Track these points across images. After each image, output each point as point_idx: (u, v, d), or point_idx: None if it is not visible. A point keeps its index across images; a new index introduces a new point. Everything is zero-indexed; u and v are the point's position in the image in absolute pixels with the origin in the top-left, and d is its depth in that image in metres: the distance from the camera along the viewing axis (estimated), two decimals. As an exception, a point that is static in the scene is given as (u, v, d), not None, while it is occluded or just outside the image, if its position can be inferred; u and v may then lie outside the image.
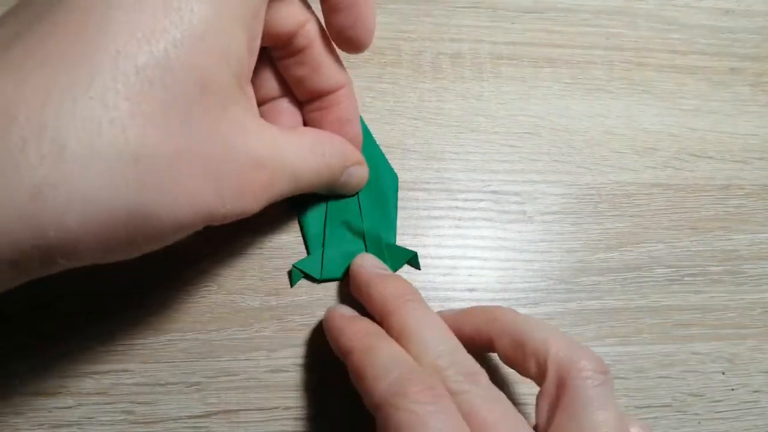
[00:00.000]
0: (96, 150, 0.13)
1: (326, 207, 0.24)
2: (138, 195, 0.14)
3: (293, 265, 0.24)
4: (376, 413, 0.18)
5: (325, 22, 0.20)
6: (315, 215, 0.25)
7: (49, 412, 0.22)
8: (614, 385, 0.19)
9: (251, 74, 0.18)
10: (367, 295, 0.22)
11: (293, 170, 0.19)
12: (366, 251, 0.24)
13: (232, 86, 0.16)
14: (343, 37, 0.20)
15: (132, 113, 0.14)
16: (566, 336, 0.20)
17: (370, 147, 0.26)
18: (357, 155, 0.23)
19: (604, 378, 0.18)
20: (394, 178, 0.26)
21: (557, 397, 0.18)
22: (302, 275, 0.24)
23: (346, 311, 0.22)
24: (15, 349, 0.22)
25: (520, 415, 0.18)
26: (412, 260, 0.25)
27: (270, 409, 0.22)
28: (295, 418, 0.22)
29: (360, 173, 0.23)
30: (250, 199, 0.17)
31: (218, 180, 0.16)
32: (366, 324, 0.21)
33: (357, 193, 0.25)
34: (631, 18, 0.32)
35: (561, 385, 0.18)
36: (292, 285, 0.24)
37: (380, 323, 0.21)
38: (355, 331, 0.20)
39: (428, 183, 0.27)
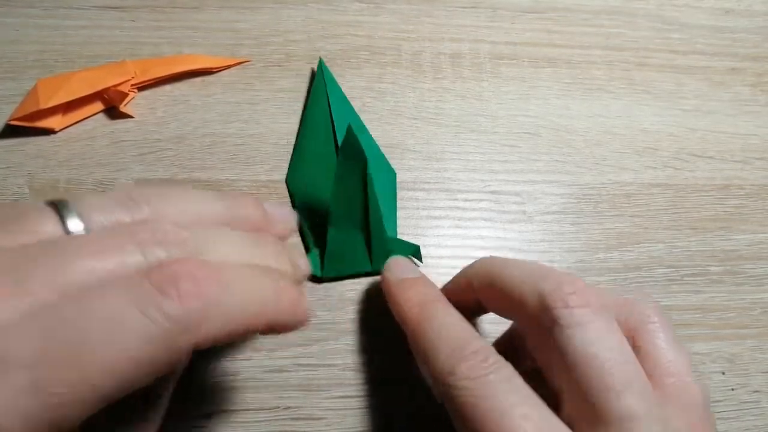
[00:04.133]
0: None
1: (327, 204, 0.24)
2: None
3: None
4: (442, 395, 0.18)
5: None
6: (314, 213, 0.25)
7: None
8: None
9: None
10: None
11: None
12: (368, 247, 0.24)
13: None
14: None
15: None
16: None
17: (367, 143, 0.26)
18: None
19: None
20: (392, 174, 0.26)
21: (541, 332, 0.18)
22: None
23: (398, 271, 0.22)
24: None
25: (540, 400, 0.17)
26: (415, 254, 0.25)
27: (270, 409, 0.22)
28: (295, 418, 0.22)
29: None
30: None
31: None
32: (415, 291, 0.21)
33: (358, 190, 0.24)
34: (631, 18, 0.32)
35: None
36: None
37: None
38: (406, 300, 0.21)
39: (428, 183, 0.27)
